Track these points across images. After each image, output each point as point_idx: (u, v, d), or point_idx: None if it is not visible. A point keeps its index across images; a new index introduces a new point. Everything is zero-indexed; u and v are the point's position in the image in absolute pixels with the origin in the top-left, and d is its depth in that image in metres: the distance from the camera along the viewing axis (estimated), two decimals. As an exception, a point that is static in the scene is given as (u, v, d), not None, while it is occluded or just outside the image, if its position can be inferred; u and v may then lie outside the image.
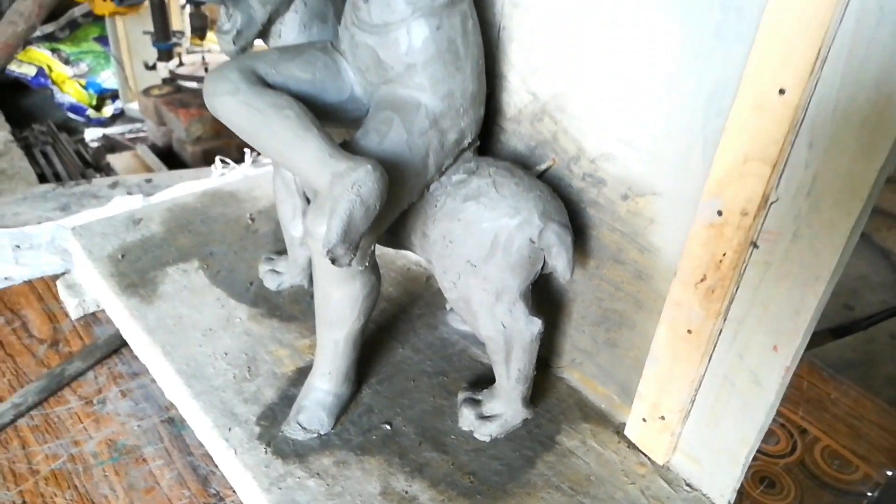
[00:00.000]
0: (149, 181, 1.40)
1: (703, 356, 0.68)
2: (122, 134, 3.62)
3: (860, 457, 0.89)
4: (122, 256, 0.96)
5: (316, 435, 0.75)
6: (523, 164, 0.78)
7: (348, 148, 0.66)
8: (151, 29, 3.25)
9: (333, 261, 0.60)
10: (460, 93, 0.70)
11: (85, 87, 3.78)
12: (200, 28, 3.20)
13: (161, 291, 0.91)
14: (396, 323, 0.91)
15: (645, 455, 0.76)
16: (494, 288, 0.70)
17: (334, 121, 0.73)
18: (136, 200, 1.30)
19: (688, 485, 0.74)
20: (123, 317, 0.89)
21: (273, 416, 0.77)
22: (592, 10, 0.68)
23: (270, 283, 0.94)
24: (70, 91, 3.74)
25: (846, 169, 0.54)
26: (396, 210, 0.69)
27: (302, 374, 0.81)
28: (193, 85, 3.27)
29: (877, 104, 0.52)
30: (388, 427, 0.77)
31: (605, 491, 0.72)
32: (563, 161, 0.76)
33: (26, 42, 3.60)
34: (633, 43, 0.65)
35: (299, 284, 0.94)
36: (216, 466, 0.80)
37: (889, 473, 0.89)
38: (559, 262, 0.69)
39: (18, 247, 1.17)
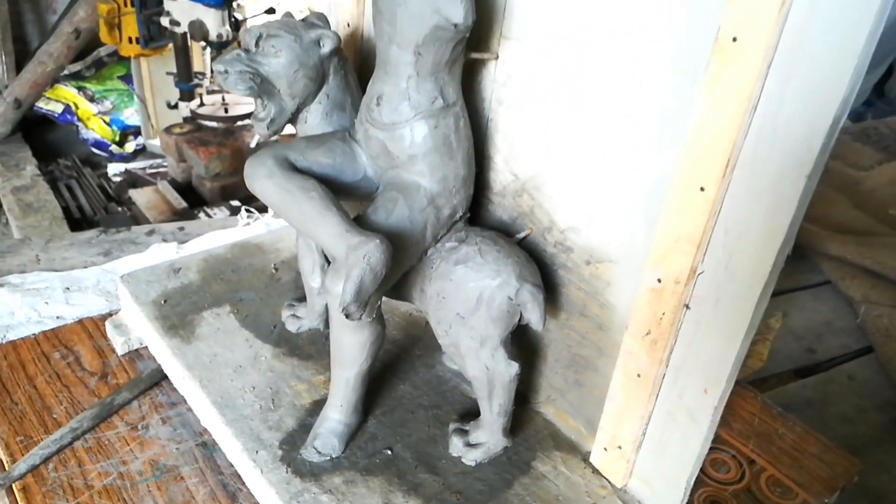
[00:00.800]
0: (181, 229, 1.56)
1: (651, 396, 0.82)
2: (144, 169, 3.79)
3: (801, 485, 1.02)
4: (165, 301, 1.11)
5: (329, 458, 0.89)
6: (506, 232, 0.93)
7: (361, 221, 0.81)
8: (174, 70, 3.42)
9: (347, 316, 0.75)
10: (453, 177, 0.85)
11: (109, 124, 3.97)
12: None
13: (198, 333, 1.06)
14: (399, 362, 1.05)
15: (606, 479, 0.90)
16: (479, 336, 0.85)
17: (350, 196, 0.89)
18: (171, 247, 1.46)
19: (641, 505, 0.87)
20: (166, 355, 1.04)
21: (293, 442, 0.91)
22: (563, 112, 0.83)
23: (291, 326, 1.09)
24: (94, 127, 3.93)
25: (753, 250, 0.69)
26: (400, 272, 0.84)
27: (318, 405, 0.96)
28: (213, 124, 3.43)
29: (773, 203, 0.67)
30: (390, 452, 0.91)
31: (571, 509, 0.86)
32: (539, 231, 0.91)
33: (54, 80, 3.80)
34: (595, 140, 0.81)
35: (316, 327, 1.09)
36: (243, 484, 0.94)
37: (826, 501, 1.02)
38: (533, 316, 0.84)
39: (68, 289, 1.33)
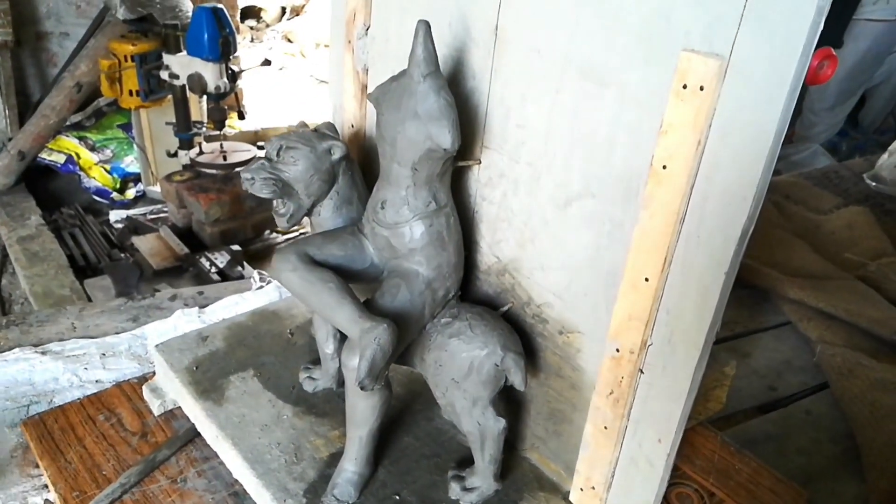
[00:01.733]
0: (201, 293, 1.72)
1: (616, 445, 0.98)
2: (144, 215, 3.92)
3: (754, 514, 1.18)
4: (196, 368, 1.27)
5: (346, 504, 1.05)
6: (491, 304, 1.10)
7: (371, 305, 0.98)
8: (173, 120, 3.55)
9: (362, 388, 0.91)
10: (446, 264, 1.02)
11: (110, 172, 4.12)
12: (220, 120, 3.54)
13: (227, 395, 1.22)
14: (402, 416, 1.21)
15: (583, 515, 1.06)
16: (471, 398, 1.01)
17: (359, 280, 1.05)
18: (193, 312, 1.62)
19: (612, 536, 1.03)
20: (200, 416, 1.19)
21: (315, 491, 1.06)
22: (534, 209, 1.01)
23: (308, 386, 1.25)
24: (96, 176, 4.08)
25: (688, 328, 0.86)
26: (404, 345, 1.01)
27: (334, 457, 1.11)
28: (212, 171, 3.56)
29: (701, 292, 0.84)
30: (398, 497, 1.07)
31: (554, 542, 1.02)
32: (519, 304, 1.08)
33: (56, 132, 3.97)
34: (560, 234, 0.98)
35: (329, 387, 1.25)
36: (272, 528, 1.09)
37: (777, 527, 1.18)
38: (516, 379, 1.01)
39: (104, 354, 1.48)
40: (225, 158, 3.56)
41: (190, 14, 4.08)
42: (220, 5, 3.32)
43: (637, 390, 0.94)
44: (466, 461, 1.11)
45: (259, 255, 3.71)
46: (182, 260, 3.27)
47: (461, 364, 1.00)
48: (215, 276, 3.15)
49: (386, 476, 1.10)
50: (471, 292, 1.15)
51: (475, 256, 1.12)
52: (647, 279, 0.87)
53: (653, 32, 0.80)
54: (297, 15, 7.53)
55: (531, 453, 1.15)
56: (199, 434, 1.24)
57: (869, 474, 1.44)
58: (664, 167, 0.81)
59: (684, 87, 0.77)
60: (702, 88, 0.76)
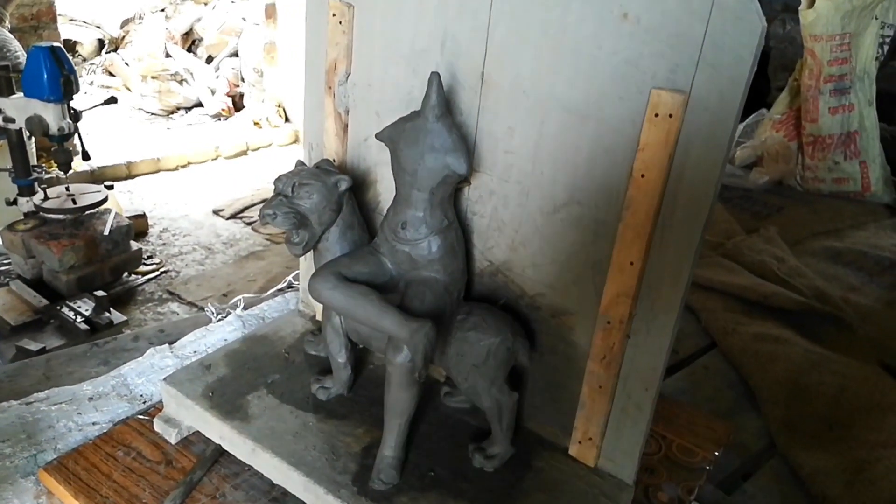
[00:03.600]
0: (161, 331, 1.78)
1: (609, 400, 1.22)
2: (-19, 269, 3.65)
3: (698, 447, 1.48)
4: (212, 394, 1.37)
5: (392, 485, 1.21)
6: (487, 300, 1.31)
7: (405, 310, 1.15)
8: (9, 166, 3.32)
9: (419, 377, 1.09)
10: (458, 270, 1.22)
11: (-64, 227, 3.83)
12: (66, 163, 3.40)
13: (251, 413, 1.33)
14: (416, 410, 1.39)
15: (583, 463, 1.29)
16: (489, 378, 1.22)
17: (381, 292, 1.22)
18: (164, 349, 1.68)
19: (610, 475, 1.27)
20: (231, 435, 1.30)
21: (360, 479, 1.22)
22: (521, 220, 1.23)
23: (322, 395, 1.39)
24: (-81, 232, 3.78)
25: (665, 299, 1.12)
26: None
27: (367, 450, 1.27)
28: (61, 216, 3.38)
29: (674, 271, 1.10)
30: (433, 473, 1.24)
31: (565, 488, 1.24)
32: (513, 298, 1.30)
33: None
34: (550, 237, 1.21)
35: (341, 393, 1.40)
36: (319, 521, 1.23)
37: (717, 454, 1.48)
38: (523, 359, 1.23)
39: (91, 398, 1.52)
40: (74, 202, 3.39)
41: (20, 54, 3.88)
42: (57, 44, 3.22)
43: (626, 352, 1.19)
44: (479, 436, 1.31)
45: (122, 299, 3.62)
46: (42, 312, 3.11)
47: (480, 351, 1.20)
48: (83, 326, 3.06)
49: (417, 458, 1.27)
50: (470, 291, 1.35)
51: (471, 263, 1.33)
52: (631, 263, 1.12)
53: (625, 76, 1.06)
54: (116, 48, 7.28)
55: (528, 422, 1.37)
56: (223, 453, 1.34)
57: (764, 408, 1.80)
58: (642, 175, 1.07)
59: (656, 115, 1.03)
60: (670, 116, 1.02)
